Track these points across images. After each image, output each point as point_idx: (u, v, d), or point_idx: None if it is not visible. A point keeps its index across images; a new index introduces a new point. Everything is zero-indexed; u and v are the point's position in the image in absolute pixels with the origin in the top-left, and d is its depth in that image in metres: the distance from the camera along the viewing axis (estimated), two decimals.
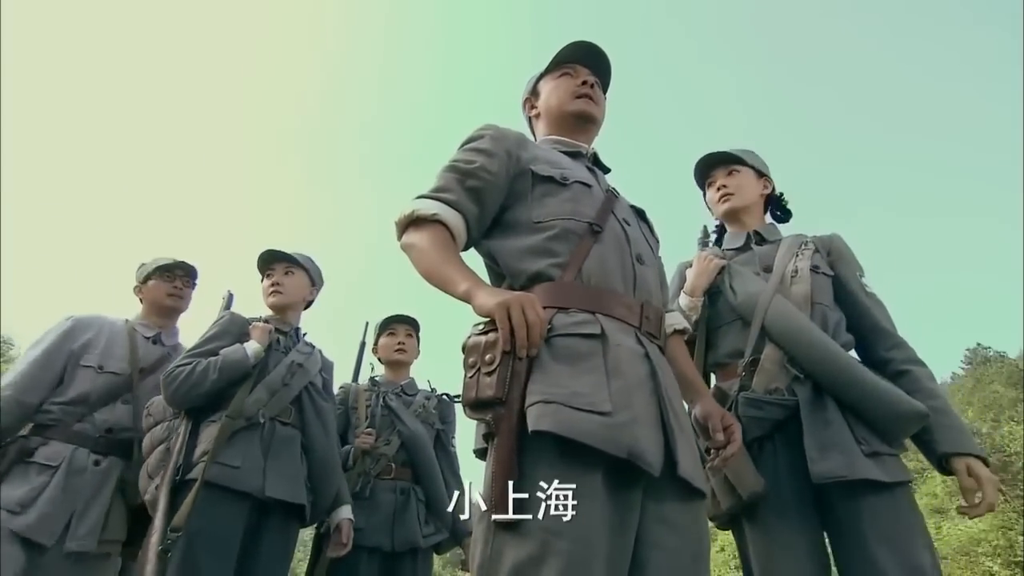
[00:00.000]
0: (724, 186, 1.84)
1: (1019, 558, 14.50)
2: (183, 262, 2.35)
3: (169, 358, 2.18)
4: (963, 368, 27.67)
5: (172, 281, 2.33)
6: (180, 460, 1.91)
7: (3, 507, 1.83)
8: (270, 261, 2.39)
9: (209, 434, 1.95)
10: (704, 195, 1.94)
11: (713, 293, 1.74)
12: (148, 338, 2.25)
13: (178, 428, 2.01)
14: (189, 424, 2.00)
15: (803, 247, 1.71)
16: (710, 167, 1.89)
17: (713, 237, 1.93)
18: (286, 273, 2.37)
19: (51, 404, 2.01)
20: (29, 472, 1.91)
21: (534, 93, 1.47)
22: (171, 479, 1.88)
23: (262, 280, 2.41)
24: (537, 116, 1.46)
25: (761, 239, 1.80)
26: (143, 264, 2.37)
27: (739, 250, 1.81)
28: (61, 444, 1.97)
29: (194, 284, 2.40)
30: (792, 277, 1.64)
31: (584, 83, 1.39)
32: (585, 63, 1.42)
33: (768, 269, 1.70)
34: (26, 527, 1.82)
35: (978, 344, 27.17)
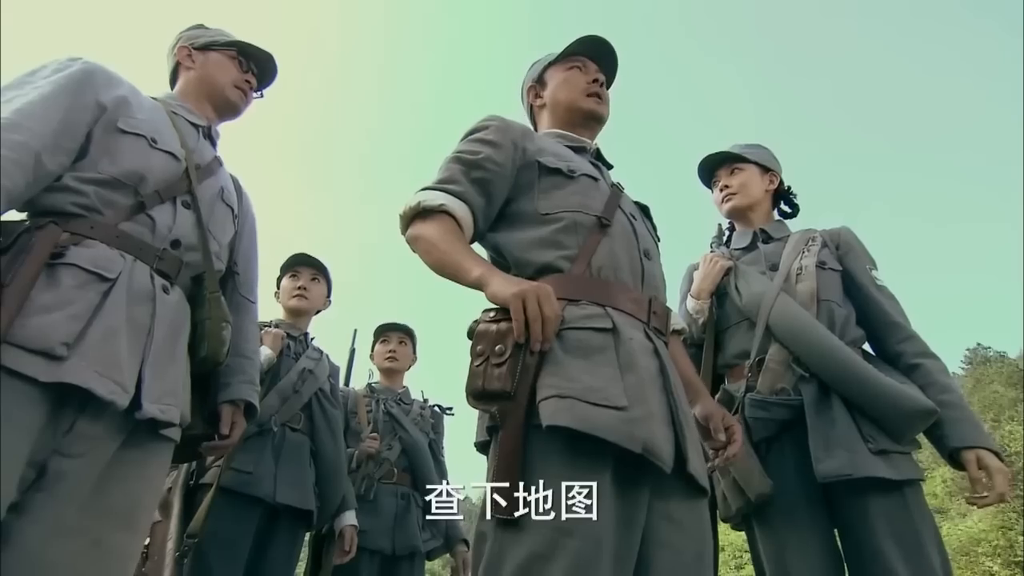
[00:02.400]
0: (727, 186, 1.83)
1: (1019, 558, 14.49)
2: (270, 54, 1.58)
3: (220, 169, 1.45)
4: (963, 368, 27.65)
5: (245, 71, 1.53)
6: (193, 465, 1.93)
7: (23, 343, 0.97)
8: (298, 264, 2.40)
9: None
10: (712, 195, 1.93)
11: (720, 295, 1.73)
12: (197, 127, 1.43)
13: None
14: None
15: (810, 243, 1.70)
16: (713, 167, 1.88)
17: (726, 236, 1.92)
18: (313, 279, 2.40)
19: (77, 181, 1.14)
20: (58, 280, 1.04)
21: (540, 81, 1.42)
22: (184, 483, 1.91)
23: (281, 278, 2.42)
24: (542, 106, 1.42)
25: (768, 237, 1.79)
26: (201, 26, 1.58)
27: (746, 249, 1.80)
28: (107, 248, 1.12)
29: (262, 93, 1.61)
30: (798, 275, 1.62)
31: (595, 81, 1.37)
32: (595, 59, 1.39)
33: (774, 267, 1.69)
34: (82, 373, 0.99)
35: (978, 344, 27.18)
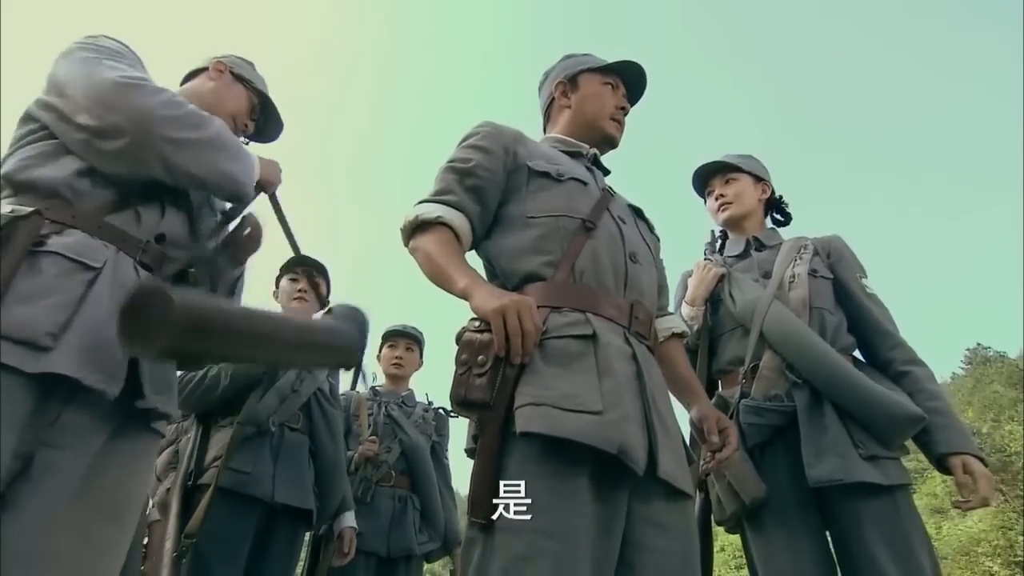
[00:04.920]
0: (722, 195, 1.86)
1: (1019, 558, 14.52)
2: (281, 123, 1.61)
3: None
4: (963, 368, 27.64)
5: (252, 120, 1.54)
6: (191, 465, 1.94)
7: (7, 334, 0.95)
8: (299, 265, 2.40)
9: (220, 439, 1.98)
10: (705, 203, 1.96)
11: (714, 301, 1.76)
12: None
13: (188, 432, 2.04)
14: (200, 429, 2.03)
15: (802, 251, 1.73)
16: (708, 176, 1.90)
17: (718, 243, 1.95)
18: (313, 282, 2.41)
19: (78, 166, 1.13)
20: (39, 269, 1.02)
21: (572, 81, 1.43)
22: (183, 484, 1.91)
23: (280, 279, 2.43)
24: (565, 107, 1.42)
25: (761, 245, 1.83)
26: (252, 66, 1.61)
27: (739, 257, 1.83)
28: (89, 238, 1.09)
29: (248, 141, 1.58)
30: (790, 282, 1.66)
31: (622, 109, 1.41)
32: (628, 83, 1.43)
33: (767, 275, 1.72)
34: (68, 363, 0.97)
35: (978, 344, 27.14)
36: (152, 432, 1.15)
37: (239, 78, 1.51)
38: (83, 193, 1.12)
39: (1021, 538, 14.47)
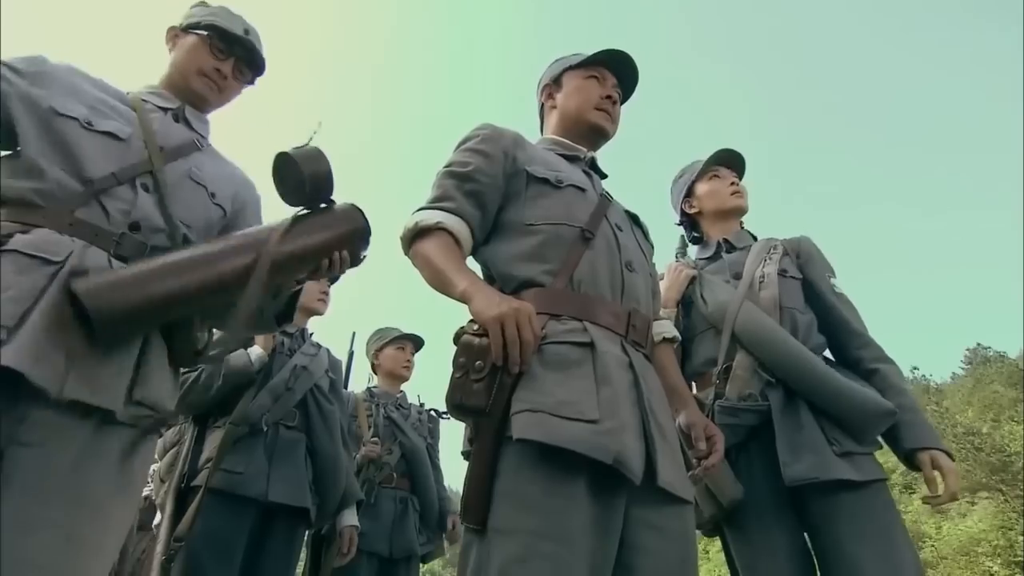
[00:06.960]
0: (735, 183, 1.87)
1: (1019, 558, 14.52)
2: (251, 42, 1.44)
3: (199, 148, 1.36)
4: (963, 368, 27.70)
5: (222, 58, 1.40)
6: (185, 467, 1.92)
7: None
8: None
9: (213, 440, 1.96)
10: (695, 187, 1.90)
11: (687, 304, 1.76)
12: (165, 110, 1.35)
13: (186, 433, 2.02)
14: (195, 430, 2.01)
15: (772, 251, 1.75)
16: (727, 163, 1.90)
17: (689, 246, 1.98)
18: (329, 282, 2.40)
19: (39, 170, 1.12)
20: None
21: (556, 82, 1.44)
22: (176, 486, 1.89)
23: None
24: (552, 108, 1.44)
25: (731, 247, 1.84)
26: (202, 4, 1.47)
27: (710, 259, 1.85)
28: (55, 234, 1.08)
29: (253, 80, 1.50)
30: (760, 282, 1.67)
31: (608, 97, 1.39)
32: (615, 71, 1.42)
33: (738, 276, 1.73)
34: (16, 356, 0.94)
35: (978, 344, 27.20)
36: (133, 429, 1.09)
37: (187, 29, 1.40)
38: (51, 194, 1.11)
39: (1021, 538, 14.47)
